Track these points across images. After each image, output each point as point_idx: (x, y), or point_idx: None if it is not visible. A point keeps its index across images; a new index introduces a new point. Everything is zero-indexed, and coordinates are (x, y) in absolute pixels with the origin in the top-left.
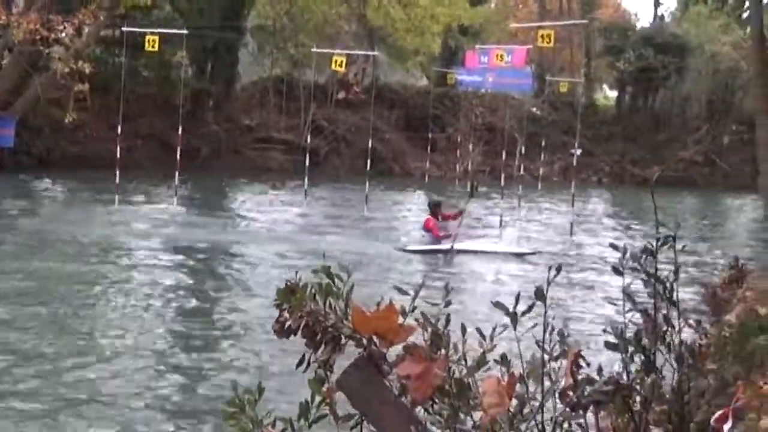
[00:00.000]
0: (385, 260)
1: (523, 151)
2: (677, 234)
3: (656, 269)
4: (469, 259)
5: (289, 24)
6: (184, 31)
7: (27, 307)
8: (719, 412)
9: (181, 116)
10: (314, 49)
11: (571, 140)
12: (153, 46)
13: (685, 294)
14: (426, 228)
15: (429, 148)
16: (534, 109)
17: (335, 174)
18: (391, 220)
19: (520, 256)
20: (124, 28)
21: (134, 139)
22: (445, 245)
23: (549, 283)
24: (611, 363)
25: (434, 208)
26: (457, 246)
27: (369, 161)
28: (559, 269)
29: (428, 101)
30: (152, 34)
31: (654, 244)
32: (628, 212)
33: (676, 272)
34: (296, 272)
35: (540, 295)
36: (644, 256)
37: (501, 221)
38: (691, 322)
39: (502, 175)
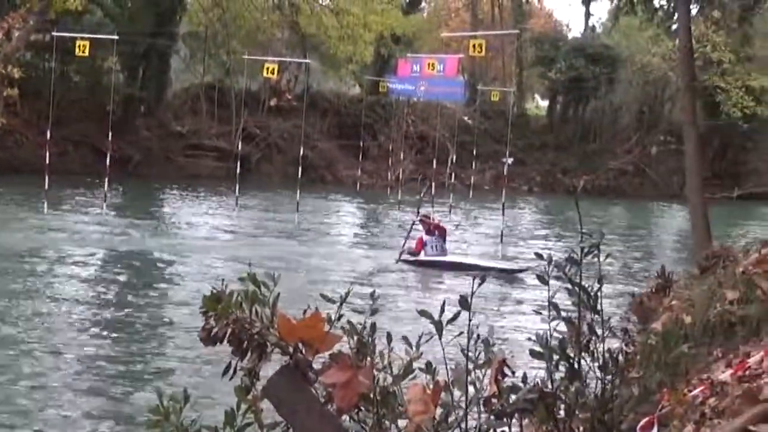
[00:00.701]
0: (314, 268)
1: (454, 160)
2: (604, 243)
3: (580, 278)
4: (396, 267)
5: (222, 31)
6: (115, 37)
7: None
8: (644, 420)
9: (111, 122)
10: (246, 56)
11: (502, 149)
12: (83, 51)
13: (613, 303)
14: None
15: (361, 156)
16: (466, 118)
17: (267, 181)
18: (322, 228)
19: (509, 272)
20: (55, 33)
21: (65, 144)
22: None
23: (473, 293)
24: (536, 371)
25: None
26: (447, 258)
27: (300, 169)
28: (483, 279)
29: (360, 109)
30: (83, 39)
31: (579, 253)
32: (558, 221)
33: (600, 281)
34: (222, 280)
35: (464, 303)
36: (569, 265)
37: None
38: (615, 330)
39: (434, 184)
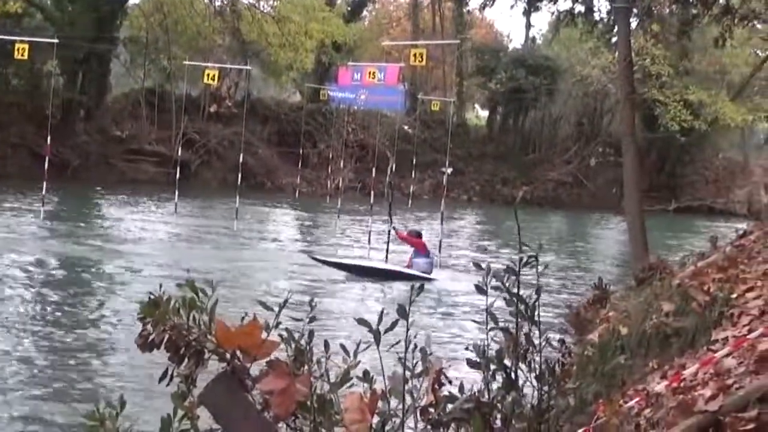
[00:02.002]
0: (252, 275)
1: (394, 169)
2: (543, 254)
3: (518, 288)
4: (335, 275)
5: (163, 36)
6: (55, 40)
7: None
8: (580, 431)
9: (50, 126)
10: (187, 62)
11: (442, 159)
12: (23, 55)
13: (551, 313)
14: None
15: (300, 163)
16: (406, 127)
17: (206, 187)
18: (261, 235)
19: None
20: None
21: (3, 148)
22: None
23: (411, 302)
24: (474, 381)
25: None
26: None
27: (240, 175)
28: (421, 288)
29: (301, 117)
30: (22, 42)
31: (517, 263)
32: (496, 231)
33: (538, 292)
34: (160, 285)
35: (402, 312)
36: (507, 276)
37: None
38: (552, 341)
39: (372, 192)
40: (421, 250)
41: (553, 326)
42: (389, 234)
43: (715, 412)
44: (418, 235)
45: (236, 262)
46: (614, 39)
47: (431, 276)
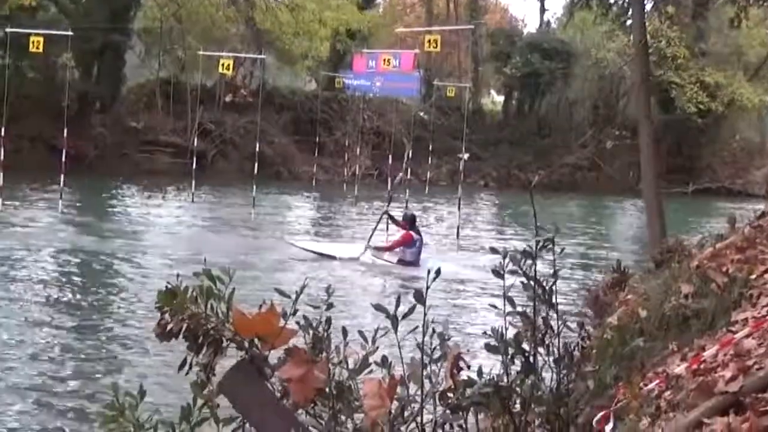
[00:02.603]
0: (270, 264)
1: (410, 156)
2: (560, 237)
3: (535, 272)
4: (352, 263)
5: (177, 26)
6: (69, 33)
7: None
8: (600, 414)
9: (66, 118)
10: (201, 52)
11: (458, 145)
12: (37, 48)
13: (569, 297)
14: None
15: (317, 151)
16: (422, 114)
17: (223, 177)
18: (278, 223)
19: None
20: (8, 29)
21: (20, 141)
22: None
23: (428, 287)
24: (492, 366)
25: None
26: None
27: (256, 165)
28: (438, 273)
29: (316, 105)
30: (37, 35)
31: (534, 247)
32: (513, 216)
33: (555, 275)
34: (177, 275)
35: (419, 298)
36: (524, 259)
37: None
38: (570, 324)
39: (389, 179)
40: (408, 240)
41: (572, 310)
42: (383, 217)
43: (735, 393)
44: (412, 219)
45: (253, 251)
46: (629, 22)
47: (413, 266)
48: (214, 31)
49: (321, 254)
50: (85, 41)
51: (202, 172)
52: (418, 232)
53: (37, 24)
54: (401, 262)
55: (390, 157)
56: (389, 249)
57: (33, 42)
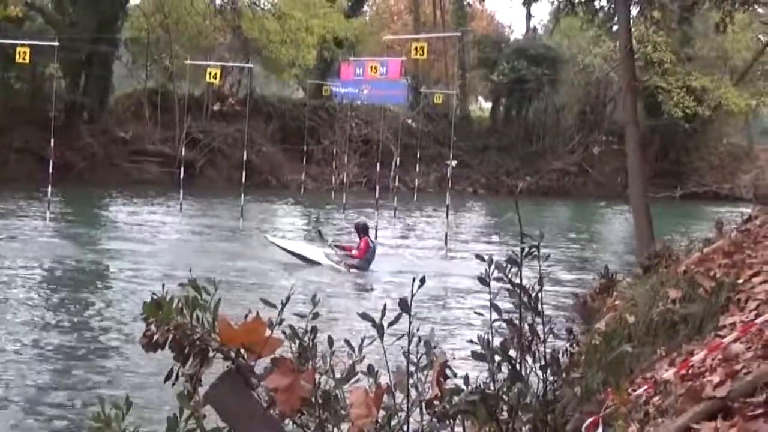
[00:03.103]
0: (256, 273)
1: (398, 163)
2: (548, 243)
3: (521, 279)
4: (338, 272)
5: (164, 36)
6: (55, 43)
7: None
8: (589, 420)
9: (54, 129)
10: (189, 61)
11: (446, 152)
12: (24, 58)
13: (557, 303)
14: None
15: (305, 160)
16: (409, 121)
17: (211, 186)
18: (266, 232)
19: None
20: None
21: (6, 152)
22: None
23: (413, 295)
24: (479, 373)
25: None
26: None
27: (245, 173)
28: (423, 281)
29: (304, 113)
30: (23, 45)
31: (519, 254)
32: (502, 223)
33: (540, 282)
34: (162, 285)
35: (404, 306)
36: (509, 267)
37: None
38: (557, 330)
39: (377, 187)
40: (367, 248)
41: (560, 316)
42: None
43: (723, 398)
44: (365, 227)
45: (241, 260)
46: (615, 27)
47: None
48: (201, 40)
49: (303, 258)
50: (72, 51)
51: (190, 182)
52: (371, 239)
53: (24, 35)
54: (351, 267)
55: (378, 164)
56: (358, 257)
57: (19, 53)
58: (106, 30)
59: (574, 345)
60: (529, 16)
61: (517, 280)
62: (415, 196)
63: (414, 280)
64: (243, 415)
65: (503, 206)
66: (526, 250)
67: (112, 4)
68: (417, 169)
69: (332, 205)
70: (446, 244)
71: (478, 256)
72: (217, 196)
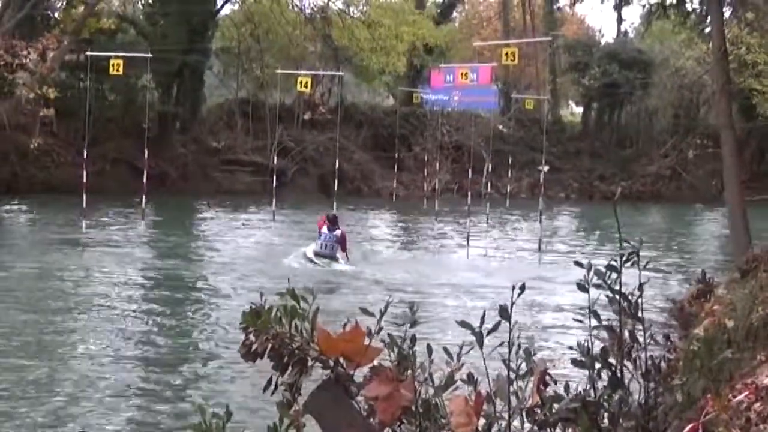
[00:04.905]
0: (352, 281)
1: (490, 169)
2: (643, 249)
3: (620, 285)
4: (432, 278)
5: (254, 45)
6: (148, 55)
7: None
8: (689, 427)
9: (147, 140)
10: (279, 71)
11: (538, 157)
12: (117, 70)
13: (654, 309)
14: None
15: (396, 167)
16: (500, 127)
17: (303, 195)
18: (360, 240)
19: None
20: (89, 53)
21: (102, 163)
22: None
23: (513, 302)
24: (579, 380)
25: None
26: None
27: (336, 181)
28: (522, 288)
29: (395, 120)
30: (116, 57)
31: (618, 260)
32: (596, 228)
33: (641, 288)
34: (261, 294)
35: (504, 313)
36: (608, 273)
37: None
38: (657, 337)
39: (470, 193)
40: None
41: (656, 322)
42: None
43: None
44: (332, 219)
45: (336, 268)
46: (708, 29)
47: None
48: (292, 49)
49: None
50: (164, 63)
51: (282, 190)
52: (332, 229)
53: (117, 47)
54: (318, 254)
55: (470, 171)
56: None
57: (113, 65)
58: (197, 40)
59: (672, 351)
60: (620, 20)
61: (616, 286)
62: (507, 202)
63: (513, 287)
64: (342, 425)
65: (597, 212)
66: (626, 256)
67: (202, 14)
68: (509, 174)
69: (424, 212)
70: (540, 249)
71: (577, 263)
72: (309, 205)
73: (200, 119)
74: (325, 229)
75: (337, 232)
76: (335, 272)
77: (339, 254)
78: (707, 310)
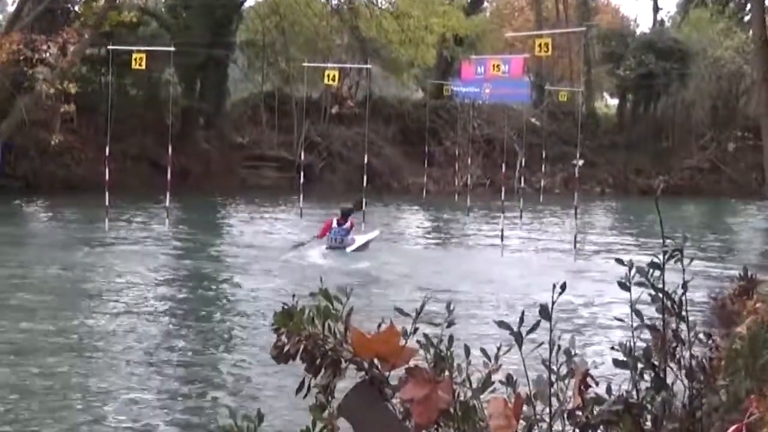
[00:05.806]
0: (385, 279)
1: (523, 163)
2: (685, 246)
3: (663, 284)
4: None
5: (280, 38)
6: (171, 48)
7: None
8: (733, 428)
9: (170, 135)
10: (306, 64)
11: (572, 150)
12: (140, 64)
13: (694, 307)
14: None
15: (426, 162)
16: (533, 120)
17: (331, 190)
18: (391, 237)
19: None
20: (110, 47)
21: (124, 159)
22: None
23: (554, 302)
24: (621, 382)
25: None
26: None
27: (365, 177)
28: (564, 287)
29: (424, 114)
30: (138, 51)
31: (660, 257)
32: (632, 224)
33: (685, 287)
34: (293, 295)
35: (545, 313)
36: (651, 271)
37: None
38: (701, 337)
39: (503, 188)
40: (328, 226)
41: (697, 320)
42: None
43: None
44: (345, 213)
45: (368, 266)
46: (747, 17)
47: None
48: (318, 41)
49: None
50: (188, 56)
51: (309, 186)
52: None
53: (139, 40)
54: (330, 248)
55: (503, 165)
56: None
57: (135, 59)
58: (221, 33)
59: (714, 350)
60: (656, 9)
61: (658, 284)
62: (541, 197)
63: (554, 285)
64: (377, 428)
65: (634, 206)
66: (669, 253)
67: (226, 6)
68: (543, 169)
69: (456, 207)
70: (575, 246)
71: (619, 260)
72: (337, 201)
73: (224, 114)
74: (334, 224)
75: (346, 225)
76: (362, 271)
77: (348, 238)
78: (750, 308)
